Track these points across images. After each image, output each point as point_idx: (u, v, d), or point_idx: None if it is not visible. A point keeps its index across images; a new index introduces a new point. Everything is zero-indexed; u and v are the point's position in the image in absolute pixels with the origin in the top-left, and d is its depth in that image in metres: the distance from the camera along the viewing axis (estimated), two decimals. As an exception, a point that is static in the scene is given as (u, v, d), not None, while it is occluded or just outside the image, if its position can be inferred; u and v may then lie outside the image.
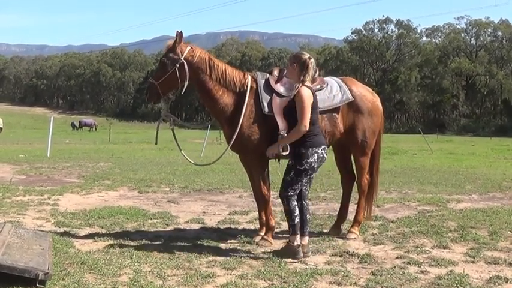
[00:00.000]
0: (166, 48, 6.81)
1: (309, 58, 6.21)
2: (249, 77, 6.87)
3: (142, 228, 7.67)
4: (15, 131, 62.41)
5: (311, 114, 6.06)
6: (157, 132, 7.27)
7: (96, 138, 44.37)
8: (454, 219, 8.34)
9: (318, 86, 6.71)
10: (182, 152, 7.25)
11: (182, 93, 6.94)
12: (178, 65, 6.65)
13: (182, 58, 6.66)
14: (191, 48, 6.77)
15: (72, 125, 75.45)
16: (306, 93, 6.07)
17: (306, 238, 6.20)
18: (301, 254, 6.06)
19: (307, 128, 6.03)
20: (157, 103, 7.04)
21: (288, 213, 6.15)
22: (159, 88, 6.69)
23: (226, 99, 6.71)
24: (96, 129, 71.46)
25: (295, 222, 6.09)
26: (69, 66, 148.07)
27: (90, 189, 11.48)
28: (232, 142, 6.68)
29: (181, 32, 6.73)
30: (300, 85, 6.11)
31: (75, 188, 11.53)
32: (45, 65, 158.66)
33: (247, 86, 6.72)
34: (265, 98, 6.61)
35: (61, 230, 7.42)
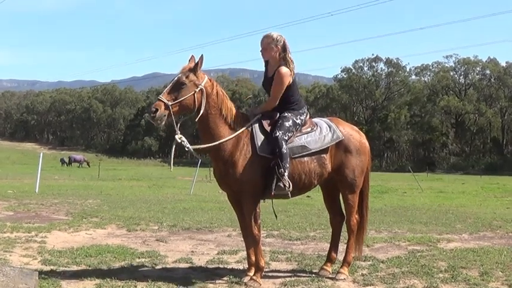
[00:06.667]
0: (186, 69, 6.39)
1: (280, 36, 6.70)
2: (246, 116, 6.84)
3: (130, 268, 7.58)
4: (4, 166, 62.09)
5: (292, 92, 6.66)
6: (171, 157, 7.20)
7: (85, 175, 44.16)
8: (445, 259, 8.30)
9: (309, 129, 6.82)
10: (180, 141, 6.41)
11: (196, 120, 6.44)
12: (197, 90, 6.36)
13: (202, 85, 6.40)
14: (209, 79, 6.53)
15: (62, 161, 75.28)
16: (285, 71, 6.60)
17: None
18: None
19: (276, 103, 6.68)
20: (161, 125, 6.31)
21: None
22: (171, 109, 6.20)
23: (227, 136, 6.56)
24: (89, 165, 71.59)
25: None
26: (60, 102, 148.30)
27: (78, 227, 11.36)
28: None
29: (202, 55, 6.42)
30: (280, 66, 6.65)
31: (63, 226, 11.40)
32: (36, 100, 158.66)
33: (243, 125, 6.69)
34: (259, 138, 6.59)
35: (48, 268, 7.32)
